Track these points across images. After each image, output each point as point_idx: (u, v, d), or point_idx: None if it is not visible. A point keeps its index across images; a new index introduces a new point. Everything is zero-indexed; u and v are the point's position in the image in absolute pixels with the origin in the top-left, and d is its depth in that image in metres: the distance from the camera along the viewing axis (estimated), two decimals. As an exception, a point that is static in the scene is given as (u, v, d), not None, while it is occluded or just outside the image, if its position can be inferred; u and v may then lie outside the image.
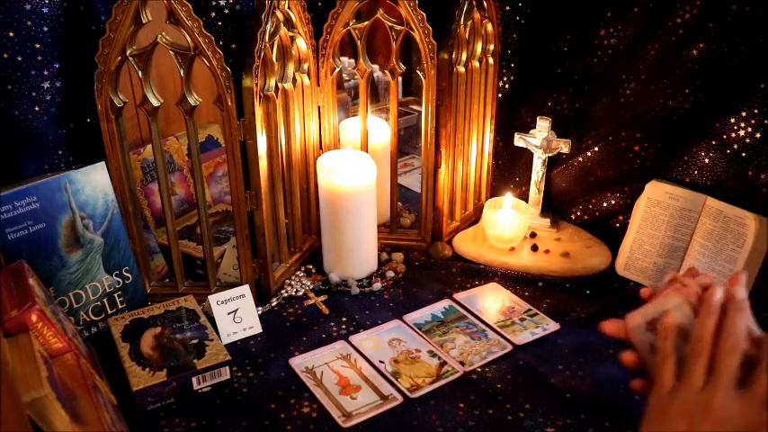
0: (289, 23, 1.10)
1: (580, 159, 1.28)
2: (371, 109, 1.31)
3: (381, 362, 1.00)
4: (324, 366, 0.99)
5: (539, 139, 1.29)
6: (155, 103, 1.01)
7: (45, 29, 0.96)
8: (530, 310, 1.13)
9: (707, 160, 1.13)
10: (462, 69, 1.22)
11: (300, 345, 1.04)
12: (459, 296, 1.16)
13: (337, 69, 1.21)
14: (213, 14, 1.05)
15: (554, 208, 1.38)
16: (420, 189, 1.29)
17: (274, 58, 1.06)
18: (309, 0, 1.15)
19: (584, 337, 1.05)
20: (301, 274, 1.22)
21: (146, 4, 0.94)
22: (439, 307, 1.13)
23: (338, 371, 0.98)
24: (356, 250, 1.19)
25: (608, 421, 0.89)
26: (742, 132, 1.07)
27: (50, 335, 0.77)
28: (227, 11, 1.06)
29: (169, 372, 0.91)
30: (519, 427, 0.88)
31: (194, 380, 0.92)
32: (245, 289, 1.08)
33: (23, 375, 0.63)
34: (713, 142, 1.11)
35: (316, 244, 1.28)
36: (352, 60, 1.28)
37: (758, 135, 1.06)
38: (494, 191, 1.45)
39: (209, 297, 1.06)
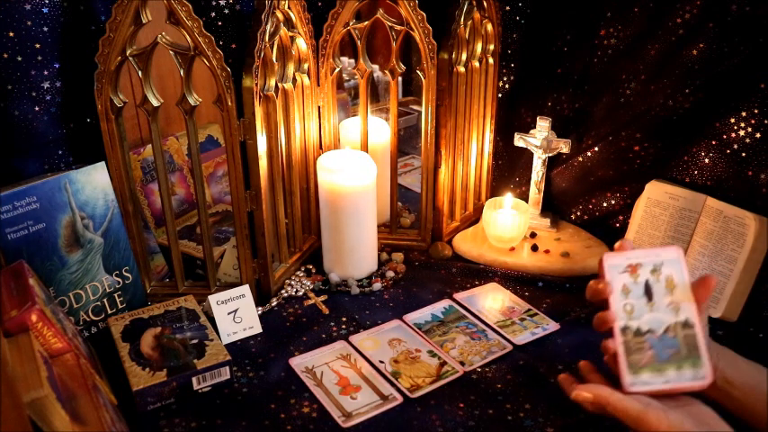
0: (289, 23, 1.10)
1: (580, 159, 1.28)
2: (371, 109, 1.31)
3: (381, 362, 1.00)
4: (324, 366, 0.99)
5: (539, 139, 1.29)
6: (155, 103, 1.01)
7: (45, 29, 0.96)
8: (530, 310, 1.13)
9: (707, 160, 1.13)
10: (462, 69, 1.22)
11: (300, 345, 1.04)
12: (459, 296, 1.16)
13: (337, 69, 1.21)
14: (213, 14, 1.05)
15: (554, 208, 1.38)
16: (420, 189, 1.29)
17: (274, 58, 1.06)
18: (309, 0, 1.15)
19: (584, 337, 1.05)
20: (301, 274, 1.22)
21: (146, 4, 0.94)
22: (439, 307, 1.13)
23: (338, 371, 0.98)
24: (356, 250, 1.19)
25: (608, 421, 0.89)
26: (742, 132, 1.07)
27: (50, 335, 0.77)
28: (227, 11, 1.06)
29: (169, 372, 0.91)
30: (519, 427, 0.88)
31: (194, 380, 0.92)
32: (245, 289, 1.08)
33: (23, 375, 0.63)
34: (713, 142, 1.11)
35: (316, 244, 1.28)
36: (352, 60, 1.28)
37: (758, 135, 1.06)
38: (494, 191, 1.45)
39: (209, 297, 1.06)
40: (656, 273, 0.72)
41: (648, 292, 0.72)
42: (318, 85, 1.22)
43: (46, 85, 0.99)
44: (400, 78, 1.28)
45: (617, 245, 0.74)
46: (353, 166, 1.14)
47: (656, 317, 0.71)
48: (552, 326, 1.08)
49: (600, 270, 0.73)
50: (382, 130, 1.33)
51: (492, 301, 1.16)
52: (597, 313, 0.73)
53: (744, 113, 1.06)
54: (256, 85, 1.00)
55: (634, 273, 0.72)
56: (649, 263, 0.72)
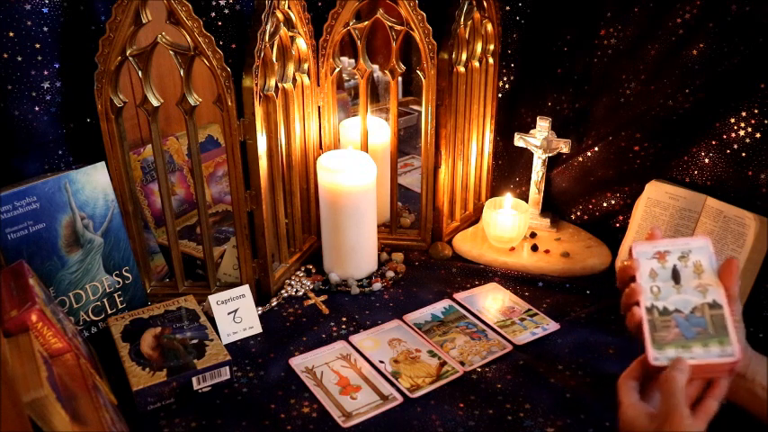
0: (289, 23, 1.10)
1: (580, 159, 1.28)
2: (371, 109, 1.31)
3: (381, 362, 1.00)
4: (324, 366, 0.99)
5: (539, 139, 1.29)
6: (155, 103, 1.01)
7: (45, 29, 0.96)
8: (530, 310, 1.13)
9: (707, 160, 1.13)
10: (462, 69, 1.22)
11: (300, 345, 1.04)
12: (459, 296, 1.16)
13: (337, 69, 1.21)
14: (213, 14, 1.05)
15: (554, 208, 1.38)
16: (420, 189, 1.29)
17: (274, 58, 1.06)
18: (309, 0, 1.15)
19: (584, 337, 1.05)
20: (301, 274, 1.22)
21: (146, 4, 0.94)
22: (439, 307, 1.13)
23: (338, 371, 0.98)
24: (356, 250, 1.19)
25: (608, 421, 0.89)
26: (742, 132, 1.07)
27: (50, 335, 0.77)
28: (227, 11, 1.06)
29: (169, 372, 0.91)
30: (519, 427, 0.88)
31: (194, 380, 0.92)
32: (245, 289, 1.08)
33: (23, 375, 0.63)
34: (713, 142, 1.11)
35: (316, 244, 1.28)
36: (352, 60, 1.28)
37: (758, 135, 1.06)
38: (494, 191, 1.45)
39: (209, 297, 1.06)
40: (685, 259, 0.73)
41: (676, 276, 0.73)
42: (318, 85, 1.22)
43: (46, 85, 0.99)
44: (400, 78, 1.28)
45: (648, 233, 0.77)
46: (353, 166, 1.14)
47: (684, 298, 0.72)
48: (552, 326, 1.08)
49: (629, 259, 0.75)
50: (382, 130, 1.33)
51: (492, 301, 1.16)
52: (625, 289, 0.75)
53: (744, 113, 1.06)
54: (256, 85, 1.00)
55: (662, 259, 0.74)
56: (677, 250, 0.74)
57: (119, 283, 1.05)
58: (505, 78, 1.35)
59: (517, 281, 1.22)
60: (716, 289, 0.71)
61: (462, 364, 0.99)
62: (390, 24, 1.15)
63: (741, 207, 1.07)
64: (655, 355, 0.70)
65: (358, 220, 1.17)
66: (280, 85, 1.10)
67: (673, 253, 0.74)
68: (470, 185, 1.39)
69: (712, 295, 0.71)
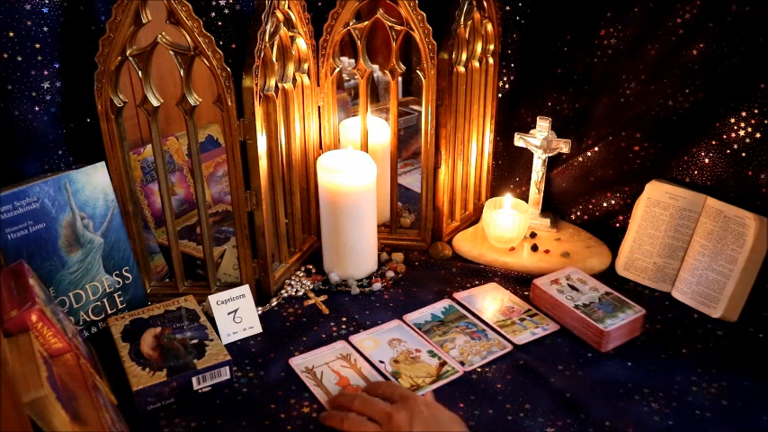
0: (289, 23, 1.10)
1: (580, 159, 1.28)
2: (371, 109, 1.31)
3: (381, 362, 1.00)
4: (324, 366, 0.99)
5: (539, 139, 1.29)
6: (155, 103, 1.01)
7: (45, 29, 0.96)
8: (530, 310, 1.13)
9: (707, 160, 1.13)
10: (462, 69, 1.22)
11: (300, 345, 1.04)
12: (459, 296, 1.16)
13: (337, 69, 1.21)
14: (213, 14, 1.05)
15: (554, 208, 1.38)
16: (420, 189, 1.29)
17: (274, 58, 1.06)
18: (309, 0, 1.15)
19: (585, 337, 1.05)
20: (301, 274, 1.22)
21: (146, 4, 0.94)
22: (439, 307, 1.13)
23: (338, 371, 0.98)
24: (356, 250, 1.19)
25: (608, 421, 0.89)
26: (742, 132, 1.07)
27: (50, 335, 0.77)
28: (227, 11, 1.06)
29: (169, 372, 0.91)
30: (519, 427, 0.88)
31: (194, 380, 0.92)
32: (245, 289, 1.08)
33: (23, 375, 0.63)
34: (713, 142, 1.11)
35: (316, 244, 1.28)
36: (352, 60, 1.28)
37: (758, 135, 1.06)
38: (494, 191, 1.45)
39: (209, 297, 1.06)
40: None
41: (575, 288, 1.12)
42: (318, 85, 1.22)
43: (46, 85, 0.99)
44: (400, 78, 1.28)
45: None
46: (353, 166, 1.14)
47: (589, 296, 1.10)
48: (552, 326, 1.08)
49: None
50: (382, 130, 1.33)
51: (492, 300, 1.16)
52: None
53: (744, 113, 1.06)
54: (256, 85, 1.00)
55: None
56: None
57: (119, 283, 1.05)
58: (505, 78, 1.35)
59: (517, 281, 1.22)
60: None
61: (462, 364, 0.99)
62: (390, 24, 1.15)
63: (741, 207, 1.07)
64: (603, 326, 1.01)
65: (358, 220, 1.17)
66: (280, 85, 1.10)
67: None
68: (470, 185, 1.39)
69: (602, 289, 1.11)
